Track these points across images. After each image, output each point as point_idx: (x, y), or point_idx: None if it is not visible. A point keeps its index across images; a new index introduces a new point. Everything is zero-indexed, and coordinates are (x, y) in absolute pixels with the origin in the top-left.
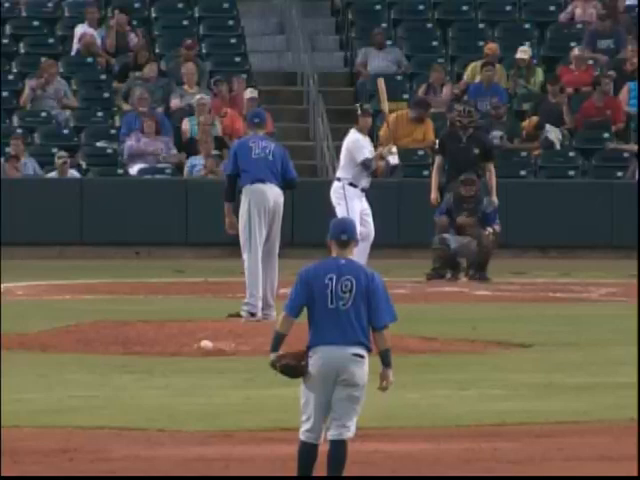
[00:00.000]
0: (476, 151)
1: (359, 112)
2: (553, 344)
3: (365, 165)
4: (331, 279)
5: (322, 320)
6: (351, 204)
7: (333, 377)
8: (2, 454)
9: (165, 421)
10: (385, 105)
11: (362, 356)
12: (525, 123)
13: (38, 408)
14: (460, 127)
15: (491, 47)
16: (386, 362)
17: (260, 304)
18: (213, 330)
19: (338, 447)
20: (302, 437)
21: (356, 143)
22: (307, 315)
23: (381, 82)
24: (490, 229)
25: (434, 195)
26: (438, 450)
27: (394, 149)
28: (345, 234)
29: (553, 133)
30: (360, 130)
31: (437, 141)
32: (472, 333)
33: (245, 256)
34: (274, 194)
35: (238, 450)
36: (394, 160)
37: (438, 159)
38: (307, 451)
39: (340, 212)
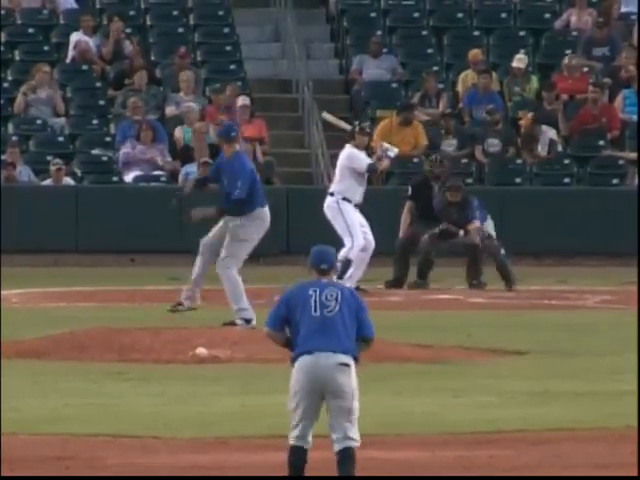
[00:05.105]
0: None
1: (356, 129)
2: (548, 351)
3: (371, 170)
4: (315, 291)
5: (307, 330)
6: (348, 216)
7: (319, 389)
8: (2, 460)
9: (160, 428)
10: (344, 126)
11: (348, 365)
12: (522, 121)
13: (33, 416)
14: (432, 176)
15: (474, 53)
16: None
17: (252, 310)
18: (208, 337)
19: (345, 456)
20: (292, 441)
21: (352, 156)
22: (290, 333)
23: (326, 115)
24: (474, 225)
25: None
26: (434, 458)
27: (386, 144)
28: (325, 264)
29: (550, 132)
30: (356, 147)
31: (409, 187)
32: (467, 340)
33: (229, 271)
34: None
35: (233, 457)
36: (392, 153)
37: (409, 203)
38: (297, 455)
39: (340, 226)
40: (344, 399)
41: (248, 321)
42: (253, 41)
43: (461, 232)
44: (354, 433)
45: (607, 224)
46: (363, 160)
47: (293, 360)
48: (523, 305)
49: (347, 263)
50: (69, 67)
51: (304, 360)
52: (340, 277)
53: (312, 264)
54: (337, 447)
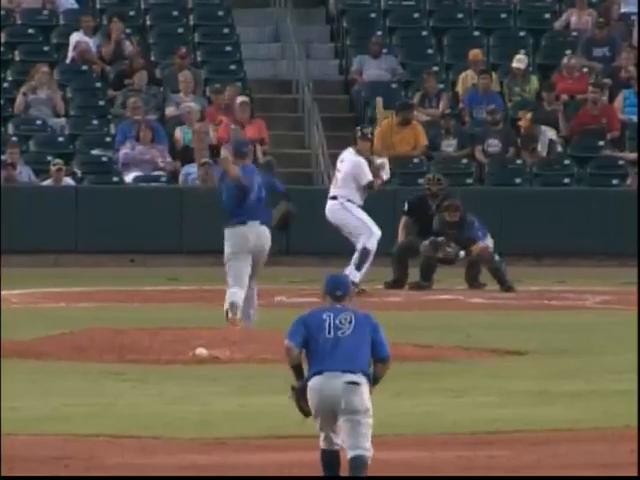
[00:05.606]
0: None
1: (359, 135)
2: (548, 351)
3: (369, 187)
4: (329, 315)
5: (319, 351)
6: (357, 214)
7: (331, 407)
8: (1, 460)
9: (159, 429)
10: (380, 119)
11: (357, 383)
12: (521, 122)
13: (33, 416)
14: (429, 195)
15: (474, 54)
16: (374, 383)
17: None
18: (208, 338)
19: (357, 463)
20: (321, 445)
21: (358, 167)
22: (306, 357)
23: (379, 101)
24: (481, 244)
25: None
26: (433, 458)
27: (386, 164)
28: (340, 290)
29: (550, 132)
30: (359, 152)
31: (406, 203)
32: (466, 341)
33: (231, 290)
34: (258, 232)
35: (232, 458)
36: (385, 175)
37: (405, 219)
38: (328, 457)
39: (353, 224)
40: (356, 415)
41: (233, 304)
42: (253, 41)
43: (462, 253)
44: (367, 444)
45: (607, 224)
46: (366, 174)
47: (306, 381)
48: (523, 305)
49: (365, 252)
50: (69, 67)
51: (314, 381)
52: (358, 268)
53: (327, 291)
54: (349, 455)
